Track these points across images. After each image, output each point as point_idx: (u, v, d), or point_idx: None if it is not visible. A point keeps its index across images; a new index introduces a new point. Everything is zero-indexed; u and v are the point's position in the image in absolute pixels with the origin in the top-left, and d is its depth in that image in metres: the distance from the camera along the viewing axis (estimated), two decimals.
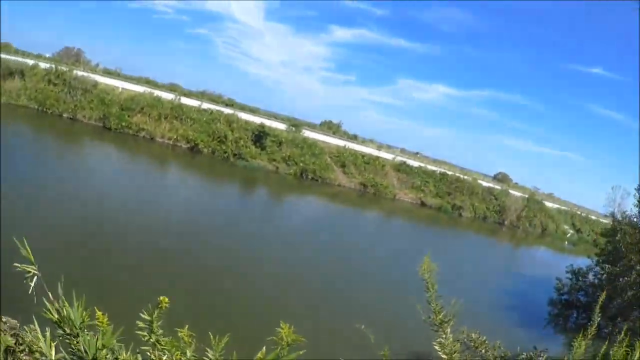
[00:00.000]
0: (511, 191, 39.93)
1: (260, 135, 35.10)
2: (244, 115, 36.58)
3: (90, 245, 13.62)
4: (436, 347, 3.65)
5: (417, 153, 39.42)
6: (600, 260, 18.51)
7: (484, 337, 9.45)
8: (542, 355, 7.06)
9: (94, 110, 37.81)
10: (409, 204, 36.70)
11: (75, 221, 15.45)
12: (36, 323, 2.72)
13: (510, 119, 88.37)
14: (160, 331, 3.12)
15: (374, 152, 37.23)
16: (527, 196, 40.45)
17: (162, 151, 36.01)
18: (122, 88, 38.66)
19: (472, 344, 9.48)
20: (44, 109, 37.03)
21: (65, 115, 37.76)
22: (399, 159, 37.64)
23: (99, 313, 2.77)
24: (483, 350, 9.27)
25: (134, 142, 36.61)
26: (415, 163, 37.63)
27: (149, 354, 3.26)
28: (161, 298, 2.82)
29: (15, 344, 3.40)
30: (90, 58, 42.52)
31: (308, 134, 37.11)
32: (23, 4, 72.95)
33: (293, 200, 32.90)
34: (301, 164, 34.74)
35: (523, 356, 7.87)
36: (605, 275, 17.97)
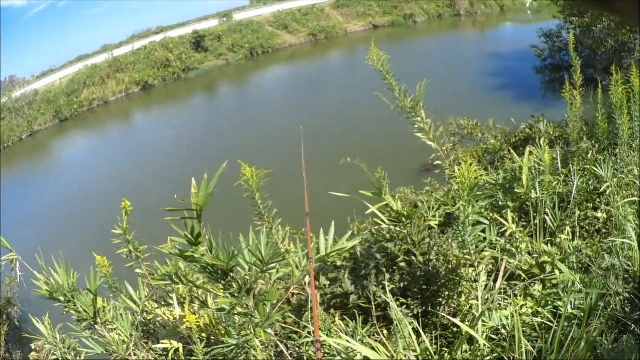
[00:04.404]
0: None
1: (198, 41, 34.82)
2: (176, 33, 36.26)
3: None
4: (418, 135, 3.62)
5: None
6: (567, 15, 16.59)
7: (475, 121, 8.36)
8: (541, 120, 6.95)
9: (45, 114, 37.46)
10: (362, 32, 36.00)
11: None
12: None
13: None
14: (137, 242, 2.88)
15: (309, 3, 36.86)
16: None
17: (119, 107, 35.80)
18: (59, 79, 38.73)
19: (465, 131, 8.39)
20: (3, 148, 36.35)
21: (24, 137, 37.32)
22: None
23: (98, 257, 2.46)
24: (480, 134, 8.29)
25: (92, 117, 36.45)
26: None
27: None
28: (124, 204, 2.80)
29: None
30: (23, 76, 42.36)
31: (240, 16, 36.81)
32: None
33: (257, 79, 32.38)
34: (246, 45, 34.31)
35: (523, 126, 7.60)
36: (579, 30, 16.02)
